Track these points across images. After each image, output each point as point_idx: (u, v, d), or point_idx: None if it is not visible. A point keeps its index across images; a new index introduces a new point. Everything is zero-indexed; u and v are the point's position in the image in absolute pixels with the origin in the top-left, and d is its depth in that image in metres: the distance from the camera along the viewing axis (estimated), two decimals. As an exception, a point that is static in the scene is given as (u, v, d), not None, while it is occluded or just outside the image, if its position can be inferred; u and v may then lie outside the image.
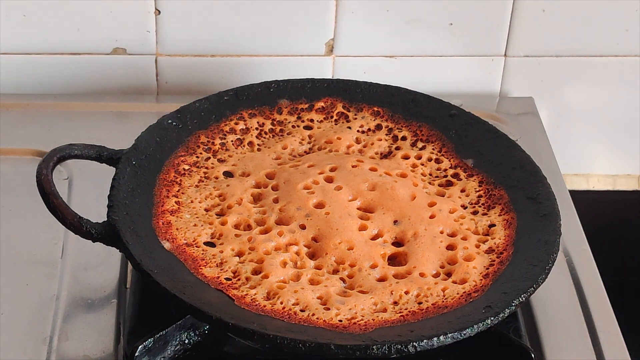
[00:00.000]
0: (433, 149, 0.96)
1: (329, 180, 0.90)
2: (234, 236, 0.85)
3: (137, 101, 1.13)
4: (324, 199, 0.88)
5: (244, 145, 0.96)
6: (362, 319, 0.79)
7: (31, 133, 1.07)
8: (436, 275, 0.84)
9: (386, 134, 0.97)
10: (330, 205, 0.87)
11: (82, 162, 0.91)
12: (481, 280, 0.83)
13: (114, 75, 1.13)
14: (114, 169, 0.88)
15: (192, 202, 0.89)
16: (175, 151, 0.93)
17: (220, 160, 0.94)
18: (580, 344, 0.87)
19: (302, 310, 0.80)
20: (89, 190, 0.98)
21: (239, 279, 0.82)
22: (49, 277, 0.90)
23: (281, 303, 0.80)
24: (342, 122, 0.98)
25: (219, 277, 0.82)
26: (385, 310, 0.80)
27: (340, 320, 0.79)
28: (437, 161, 0.95)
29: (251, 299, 0.80)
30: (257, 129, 0.97)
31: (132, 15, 1.10)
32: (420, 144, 0.96)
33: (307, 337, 0.76)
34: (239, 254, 0.84)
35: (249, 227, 0.87)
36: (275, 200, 0.88)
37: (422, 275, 0.83)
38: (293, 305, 0.80)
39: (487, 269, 0.84)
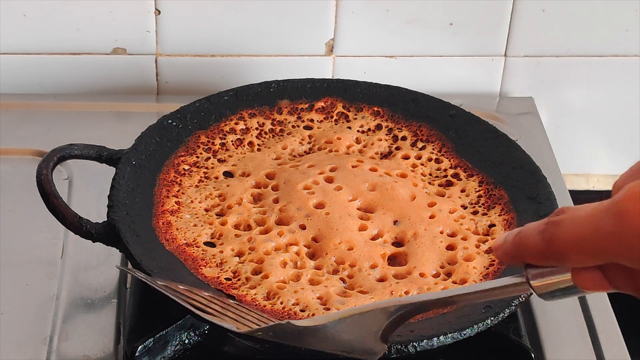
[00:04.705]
0: (433, 149, 0.96)
1: (329, 180, 0.90)
2: (234, 236, 0.85)
3: (137, 101, 1.13)
4: (324, 199, 0.88)
5: (244, 145, 0.96)
6: (362, 319, 0.79)
7: (31, 133, 1.07)
8: (436, 276, 0.84)
9: (386, 134, 0.97)
10: (330, 206, 0.87)
11: (82, 162, 0.91)
12: (481, 280, 0.83)
13: (114, 75, 1.13)
14: (114, 169, 0.88)
15: (192, 202, 0.89)
16: (175, 151, 0.93)
17: (220, 160, 0.94)
18: (580, 344, 0.87)
19: (302, 310, 0.80)
20: (89, 190, 0.98)
21: (239, 279, 0.82)
22: (49, 277, 0.90)
23: (281, 303, 0.80)
24: (342, 122, 0.98)
25: (219, 277, 0.82)
26: (385, 310, 0.80)
27: (340, 320, 0.79)
28: (437, 161, 0.95)
29: (251, 299, 0.80)
30: (257, 129, 0.97)
31: (132, 15, 1.10)
32: (420, 144, 0.96)
33: (307, 337, 0.76)
34: (239, 254, 0.84)
35: (249, 227, 0.87)
36: (275, 201, 0.88)
37: (422, 275, 0.83)
38: (293, 305, 0.80)
39: (487, 269, 0.84)
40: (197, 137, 0.95)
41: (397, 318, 0.65)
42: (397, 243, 0.86)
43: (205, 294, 0.77)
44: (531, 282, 0.59)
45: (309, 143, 0.97)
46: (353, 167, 0.91)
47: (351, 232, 0.86)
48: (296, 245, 0.85)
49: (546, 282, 0.59)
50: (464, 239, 0.87)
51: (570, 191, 1.04)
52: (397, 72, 1.15)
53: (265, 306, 0.79)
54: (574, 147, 1.20)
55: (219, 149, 0.95)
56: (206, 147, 0.94)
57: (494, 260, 0.85)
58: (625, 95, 1.17)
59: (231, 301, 0.78)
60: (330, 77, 1.11)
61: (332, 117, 0.99)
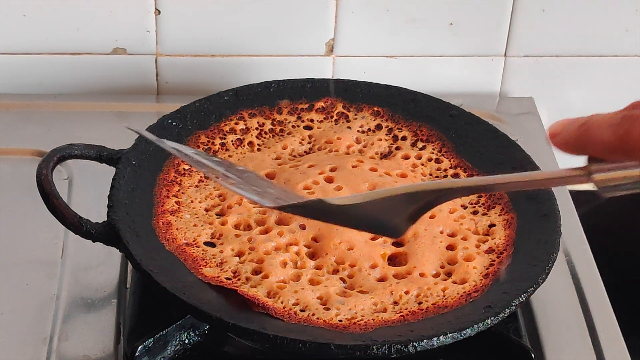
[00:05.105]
0: (433, 149, 0.96)
1: (329, 180, 0.90)
2: (234, 236, 0.85)
3: (137, 101, 1.13)
4: (324, 199, 0.88)
5: (244, 145, 0.96)
6: (362, 319, 0.79)
7: (31, 133, 1.07)
8: (436, 275, 0.84)
9: (386, 134, 0.97)
10: (330, 205, 0.87)
11: (82, 162, 0.91)
12: (481, 280, 0.83)
13: (114, 75, 1.13)
14: (114, 169, 0.88)
15: (192, 202, 0.89)
16: (176, 151, 0.93)
17: (220, 160, 0.94)
18: (580, 344, 0.87)
19: (302, 310, 0.80)
20: (89, 190, 0.98)
21: (239, 279, 0.82)
22: (49, 277, 0.90)
23: (282, 302, 0.80)
24: (342, 122, 0.98)
25: (219, 276, 0.82)
26: (385, 310, 0.80)
27: (340, 320, 0.79)
28: (437, 161, 0.95)
29: (252, 295, 0.80)
30: (257, 129, 0.97)
31: (132, 15, 1.10)
32: (420, 144, 0.96)
33: (307, 337, 0.76)
34: (239, 254, 0.84)
35: (249, 227, 0.87)
36: (275, 200, 0.88)
37: (422, 275, 0.83)
38: (293, 305, 0.80)
39: (487, 269, 0.84)
40: (197, 137, 0.95)
41: (427, 202, 0.64)
42: (397, 243, 0.86)
43: (219, 168, 0.74)
44: (594, 175, 0.57)
45: (309, 143, 0.97)
46: (353, 167, 0.91)
47: (351, 232, 0.85)
48: (296, 245, 0.85)
49: (610, 177, 0.57)
50: (464, 239, 0.87)
51: (570, 191, 1.04)
52: (397, 72, 1.15)
53: (267, 302, 0.79)
54: (574, 147, 1.19)
55: (219, 149, 0.95)
56: (206, 147, 0.94)
57: (494, 260, 0.85)
58: (625, 95, 1.16)
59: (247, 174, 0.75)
60: (330, 77, 1.11)
61: (332, 117, 0.99)
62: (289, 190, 0.74)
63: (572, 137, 0.58)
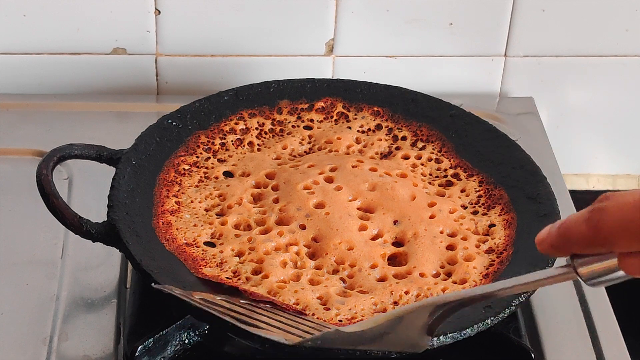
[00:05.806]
0: (433, 149, 0.96)
1: (329, 180, 0.90)
2: (234, 236, 0.85)
3: (137, 101, 1.13)
4: (324, 199, 0.88)
5: (244, 145, 0.96)
6: (362, 319, 0.79)
7: (31, 133, 1.07)
8: (436, 276, 0.84)
9: (386, 134, 0.97)
10: (330, 206, 0.87)
11: (82, 162, 0.91)
12: (481, 280, 0.83)
13: (114, 75, 1.13)
14: (114, 169, 0.88)
15: (192, 202, 0.89)
16: (175, 151, 0.93)
17: (220, 160, 0.94)
18: (580, 344, 0.87)
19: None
20: (89, 190, 0.98)
21: (239, 279, 0.82)
22: (49, 277, 0.90)
23: (281, 303, 0.80)
24: (342, 122, 0.98)
25: (219, 276, 0.82)
26: (385, 310, 0.80)
27: (340, 320, 0.79)
28: (437, 161, 0.95)
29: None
30: (257, 129, 0.97)
31: (132, 15, 1.10)
32: (420, 144, 0.96)
33: (307, 337, 0.76)
34: (239, 254, 0.84)
35: (249, 227, 0.87)
36: (275, 201, 0.88)
37: (422, 275, 0.83)
38: (293, 304, 0.80)
39: (487, 269, 0.84)
40: (197, 137, 0.95)
41: (441, 314, 0.68)
42: (397, 243, 0.86)
43: (242, 301, 0.77)
44: (578, 270, 0.61)
45: (309, 143, 0.97)
46: (353, 167, 0.91)
47: (351, 232, 0.86)
48: (296, 245, 0.85)
49: (592, 269, 0.61)
50: (464, 239, 0.87)
51: (570, 191, 1.04)
52: (397, 72, 1.15)
53: (268, 298, 0.79)
54: (574, 147, 1.20)
55: (219, 149, 0.95)
56: (206, 147, 0.94)
57: (494, 260, 0.85)
58: (625, 95, 1.17)
59: (267, 306, 0.78)
60: (330, 77, 1.11)
61: (332, 117, 0.99)
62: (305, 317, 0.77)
63: (555, 239, 0.61)
